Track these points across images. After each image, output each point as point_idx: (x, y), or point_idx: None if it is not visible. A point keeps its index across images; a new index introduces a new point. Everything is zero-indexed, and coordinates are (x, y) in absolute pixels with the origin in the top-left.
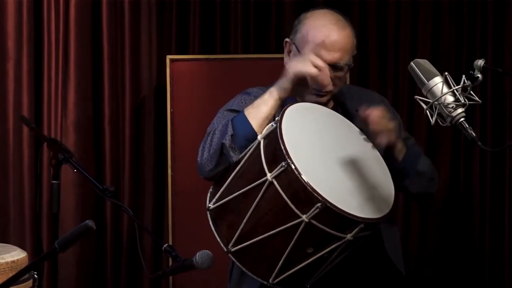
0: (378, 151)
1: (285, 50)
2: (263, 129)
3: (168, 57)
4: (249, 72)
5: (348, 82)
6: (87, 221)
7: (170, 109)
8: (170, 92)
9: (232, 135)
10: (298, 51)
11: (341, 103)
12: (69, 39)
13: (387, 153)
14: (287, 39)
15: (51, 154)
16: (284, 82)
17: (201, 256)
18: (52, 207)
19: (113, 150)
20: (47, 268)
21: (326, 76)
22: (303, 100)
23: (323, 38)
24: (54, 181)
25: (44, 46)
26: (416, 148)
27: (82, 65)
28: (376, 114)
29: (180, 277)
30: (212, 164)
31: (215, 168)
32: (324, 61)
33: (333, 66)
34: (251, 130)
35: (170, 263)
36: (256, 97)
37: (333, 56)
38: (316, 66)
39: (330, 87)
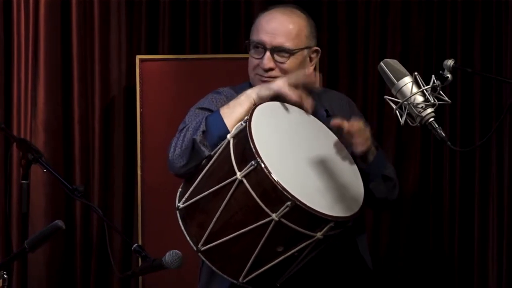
0: (347, 150)
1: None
2: None
3: (138, 57)
4: (219, 72)
5: (318, 83)
6: (56, 221)
7: (140, 109)
8: (140, 92)
9: (203, 131)
10: (249, 40)
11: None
12: (39, 39)
13: (360, 158)
14: (247, 41)
15: (20, 154)
16: (265, 92)
17: (170, 256)
18: (21, 207)
19: (83, 150)
20: (16, 268)
21: (265, 59)
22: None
23: (265, 23)
24: (23, 181)
25: (13, 46)
26: (383, 153)
27: (51, 65)
28: (357, 127)
29: (150, 277)
30: (183, 160)
31: (186, 164)
32: (264, 42)
33: (274, 50)
34: (225, 129)
35: (140, 263)
36: (227, 96)
37: (273, 39)
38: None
39: (275, 72)
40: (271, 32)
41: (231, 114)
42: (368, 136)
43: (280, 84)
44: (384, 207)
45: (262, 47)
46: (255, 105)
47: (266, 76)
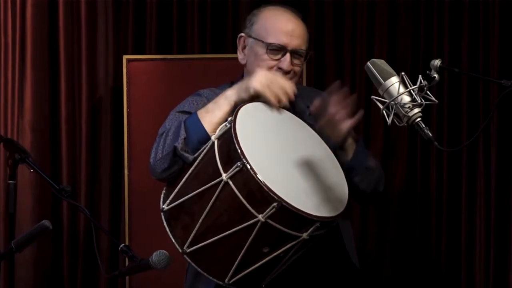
0: (330, 148)
1: (239, 47)
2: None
3: (125, 57)
4: (206, 72)
5: (304, 82)
6: (43, 221)
7: (127, 109)
8: (127, 92)
9: (184, 138)
10: (259, 40)
11: (291, 102)
12: (26, 39)
13: (339, 148)
14: (241, 34)
15: (7, 154)
16: (243, 93)
17: (157, 256)
18: (8, 207)
19: (70, 150)
20: (4, 268)
21: (287, 62)
22: None
23: (283, 25)
24: (10, 181)
25: (0, 46)
26: (364, 147)
27: (38, 65)
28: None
29: (137, 277)
30: (164, 166)
31: (168, 170)
32: (286, 45)
33: (294, 52)
34: (205, 134)
35: (127, 263)
36: (208, 98)
37: (294, 41)
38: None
39: (291, 74)
40: (290, 34)
41: (211, 118)
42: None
43: (257, 84)
44: (371, 199)
45: (281, 48)
46: (239, 106)
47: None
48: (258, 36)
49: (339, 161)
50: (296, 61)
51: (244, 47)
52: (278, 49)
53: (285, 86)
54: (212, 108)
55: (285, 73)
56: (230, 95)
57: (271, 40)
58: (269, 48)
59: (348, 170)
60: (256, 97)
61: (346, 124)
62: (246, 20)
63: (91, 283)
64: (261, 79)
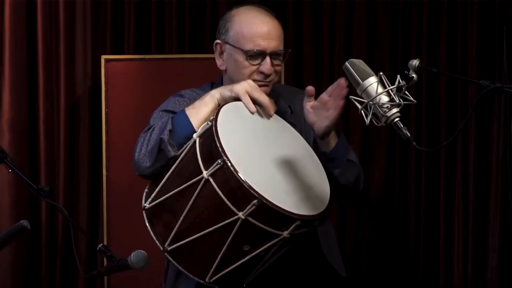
0: (311, 142)
1: (217, 53)
2: None
3: (103, 57)
4: (184, 72)
5: (282, 82)
6: (21, 221)
7: (105, 109)
8: (105, 92)
9: (170, 131)
10: (237, 48)
11: (273, 101)
12: (4, 39)
13: (321, 138)
14: (217, 41)
15: None
16: (227, 94)
17: (136, 256)
18: None
19: (48, 150)
20: None
21: (268, 65)
22: None
23: (259, 29)
24: None
25: None
26: (345, 139)
27: (16, 64)
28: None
29: (115, 277)
30: (150, 160)
31: (152, 165)
32: (265, 49)
33: (273, 54)
34: (192, 129)
35: (105, 263)
36: (190, 99)
37: (272, 44)
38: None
39: (272, 76)
40: (267, 37)
41: (197, 114)
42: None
43: (241, 89)
44: (350, 195)
45: (260, 53)
46: (221, 105)
47: (267, 81)
48: (236, 43)
49: (320, 150)
50: (276, 62)
51: (221, 53)
52: (257, 55)
53: (265, 102)
54: (199, 105)
55: (267, 76)
56: (214, 93)
57: (249, 46)
58: (248, 55)
59: (329, 161)
60: (238, 99)
61: (336, 111)
62: (219, 25)
63: (69, 283)
64: (246, 86)
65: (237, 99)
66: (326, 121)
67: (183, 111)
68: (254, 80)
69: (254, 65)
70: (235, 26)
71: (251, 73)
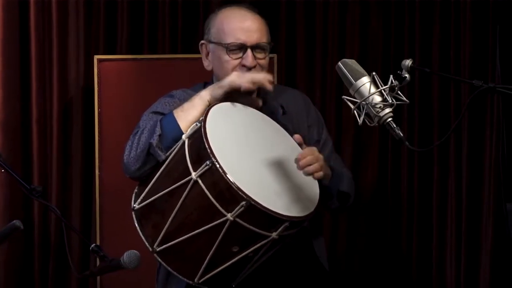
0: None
1: (203, 54)
2: None
3: (96, 57)
4: (177, 72)
5: (275, 82)
6: (14, 221)
7: (98, 109)
8: (98, 92)
9: (160, 135)
10: (219, 44)
11: (265, 100)
12: None
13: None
14: (202, 42)
15: None
16: (218, 91)
17: (128, 256)
18: None
19: (41, 150)
20: None
21: (249, 57)
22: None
23: (239, 23)
24: None
25: None
26: (339, 162)
27: (9, 64)
28: (309, 159)
29: (108, 277)
30: (138, 163)
31: (141, 167)
32: (245, 42)
33: (255, 47)
34: (180, 132)
35: (98, 263)
36: (180, 99)
37: (253, 36)
38: (257, 82)
39: (257, 69)
40: (247, 30)
41: (186, 117)
42: (321, 164)
43: (230, 80)
44: (340, 212)
45: (240, 47)
46: (210, 106)
47: None
48: (217, 39)
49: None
50: (259, 55)
51: (207, 54)
52: (238, 48)
53: (259, 76)
54: (188, 107)
55: (249, 69)
56: (204, 95)
57: (229, 40)
58: (229, 48)
59: (321, 190)
60: (230, 95)
61: (316, 176)
62: (204, 26)
63: (62, 283)
64: (235, 75)
65: (229, 94)
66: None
67: (171, 114)
68: None
69: (235, 59)
70: (216, 23)
71: (233, 67)
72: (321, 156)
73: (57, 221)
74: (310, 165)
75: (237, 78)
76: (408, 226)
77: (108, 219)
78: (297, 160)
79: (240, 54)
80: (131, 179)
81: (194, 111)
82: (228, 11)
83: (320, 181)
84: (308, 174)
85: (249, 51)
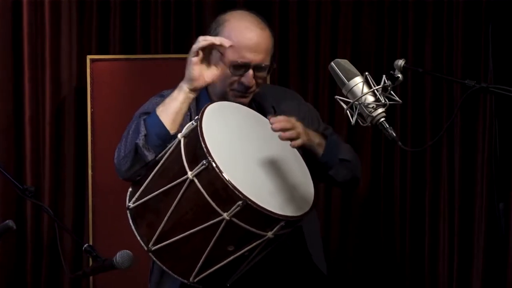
0: (297, 149)
1: None
2: (176, 125)
3: (89, 57)
4: (170, 72)
5: (268, 82)
6: (7, 221)
7: (91, 109)
8: (91, 92)
9: (145, 135)
10: (221, 53)
11: (256, 101)
12: None
13: (307, 150)
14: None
15: None
16: (188, 71)
17: (121, 256)
18: None
19: (34, 150)
20: None
21: (249, 78)
22: (225, 100)
23: (247, 41)
24: None
25: None
26: (335, 137)
27: (2, 65)
28: (279, 124)
29: (101, 277)
30: (127, 164)
31: (130, 168)
32: (249, 62)
33: (257, 67)
34: (163, 128)
35: (91, 263)
36: None
37: (257, 57)
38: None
39: (253, 88)
40: (254, 50)
41: (167, 110)
42: (300, 131)
43: (193, 51)
44: (350, 186)
45: (244, 65)
46: (206, 105)
47: (246, 94)
48: (221, 49)
49: (310, 158)
50: (259, 74)
51: None
52: (241, 66)
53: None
54: (168, 101)
55: (247, 88)
56: (181, 84)
57: (234, 57)
58: (232, 65)
59: (321, 165)
60: (201, 68)
61: (294, 144)
62: (211, 26)
63: (54, 283)
64: (193, 46)
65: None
66: (293, 144)
67: (154, 112)
68: (233, 90)
69: (236, 75)
70: (224, 31)
71: (232, 82)
72: (298, 124)
73: (50, 221)
74: (285, 130)
75: (193, 46)
76: (401, 225)
77: (101, 219)
78: (270, 124)
79: (241, 72)
80: (124, 180)
81: (175, 103)
82: (239, 22)
83: (314, 151)
84: (283, 139)
85: (250, 71)
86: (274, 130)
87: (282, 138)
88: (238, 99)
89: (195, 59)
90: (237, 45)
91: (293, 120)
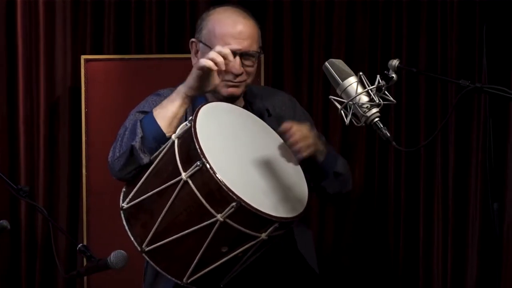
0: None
1: (192, 51)
2: (172, 128)
3: (83, 57)
4: (164, 72)
5: (262, 82)
6: (1, 221)
7: (85, 109)
8: (85, 92)
9: (142, 137)
10: (208, 46)
11: (250, 103)
12: None
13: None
14: (192, 39)
15: None
16: (190, 80)
17: (115, 256)
18: None
19: (28, 150)
20: None
21: (237, 65)
22: (217, 96)
23: (230, 29)
24: None
25: None
26: (331, 149)
27: None
28: (299, 135)
29: (95, 277)
30: (121, 165)
31: (124, 168)
32: (235, 50)
33: (244, 54)
34: (159, 131)
35: (85, 263)
36: (167, 97)
37: (242, 44)
38: (223, 56)
39: (243, 76)
40: (238, 37)
41: (165, 113)
42: (311, 142)
43: (197, 63)
44: (338, 200)
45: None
46: (200, 105)
47: (236, 82)
48: (207, 41)
49: (307, 163)
50: (247, 62)
51: (196, 52)
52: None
53: (224, 50)
54: (166, 103)
55: (236, 76)
56: (180, 88)
57: (218, 45)
58: None
59: (316, 173)
60: (203, 77)
61: (303, 155)
62: (196, 24)
63: (49, 283)
64: (202, 60)
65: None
66: (302, 154)
67: (151, 113)
68: (224, 80)
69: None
70: (208, 25)
71: (220, 72)
72: (311, 134)
73: (44, 221)
74: (297, 142)
75: (202, 61)
76: (395, 225)
77: (95, 219)
78: (283, 131)
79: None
80: (118, 180)
81: (172, 107)
82: (221, 14)
83: (314, 157)
84: (294, 150)
85: (237, 58)
86: (290, 142)
87: (293, 149)
88: (229, 90)
89: (200, 73)
90: (221, 34)
91: (306, 130)
